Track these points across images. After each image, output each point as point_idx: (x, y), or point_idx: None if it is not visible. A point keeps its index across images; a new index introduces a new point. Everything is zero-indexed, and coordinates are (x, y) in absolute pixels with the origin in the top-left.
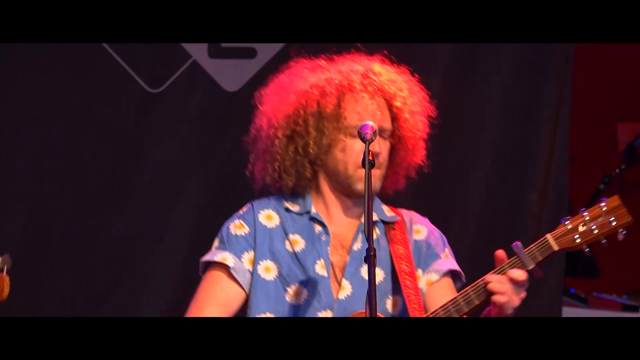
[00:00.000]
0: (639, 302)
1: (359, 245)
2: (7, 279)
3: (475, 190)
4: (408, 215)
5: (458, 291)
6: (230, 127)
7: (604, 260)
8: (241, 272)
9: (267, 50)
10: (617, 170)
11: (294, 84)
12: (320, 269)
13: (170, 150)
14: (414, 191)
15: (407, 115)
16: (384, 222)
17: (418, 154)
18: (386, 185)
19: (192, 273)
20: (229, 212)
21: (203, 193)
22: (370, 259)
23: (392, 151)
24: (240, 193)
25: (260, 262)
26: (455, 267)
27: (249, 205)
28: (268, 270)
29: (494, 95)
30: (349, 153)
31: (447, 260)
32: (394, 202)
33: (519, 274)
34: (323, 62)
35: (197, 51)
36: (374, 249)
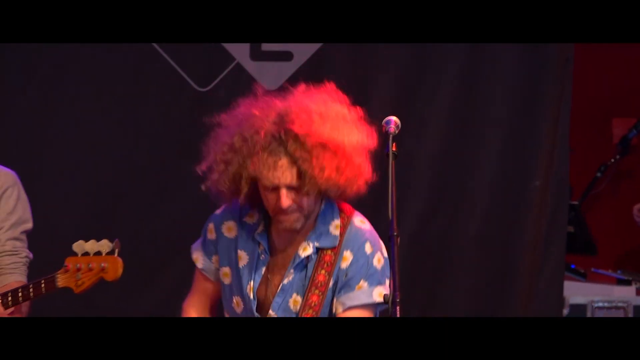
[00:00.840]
0: (632, 277)
1: (289, 278)
2: (120, 260)
3: (484, 178)
4: (350, 233)
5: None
6: None
7: (601, 240)
8: (209, 271)
9: (301, 54)
10: (612, 160)
11: (231, 129)
12: (249, 290)
13: None
14: (429, 178)
15: (314, 155)
16: (321, 248)
17: (350, 180)
18: (342, 198)
19: None
20: None
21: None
22: (393, 238)
23: (324, 190)
24: None
25: (221, 268)
26: (360, 301)
27: (222, 209)
28: (226, 275)
29: (502, 92)
30: (267, 202)
31: (358, 293)
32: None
33: None
34: (249, 110)
35: (240, 54)
36: (397, 229)
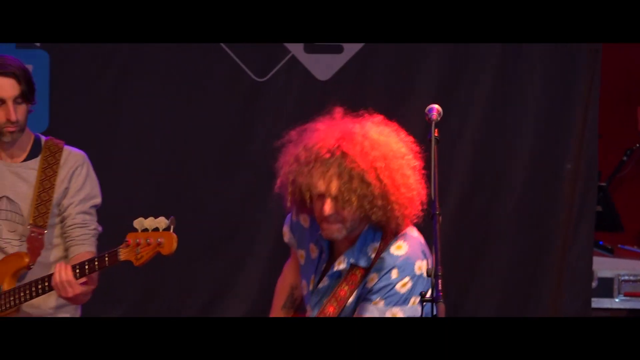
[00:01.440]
0: None
1: (324, 284)
2: (175, 236)
3: (521, 161)
4: (384, 259)
5: None
6: (322, 109)
7: (626, 218)
8: (294, 246)
9: (351, 47)
10: (637, 145)
11: (297, 144)
12: (311, 282)
13: (274, 130)
14: (469, 161)
15: (365, 176)
16: (356, 266)
17: (399, 207)
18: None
19: None
20: None
21: None
22: (435, 217)
23: (370, 212)
24: None
25: (298, 250)
26: (373, 315)
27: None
28: (301, 257)
29: (537, 84)
30: (315, 210)
31: (372, 307)
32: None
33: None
34: (315, 126)
35: (295, 48)
36: (439, 208)
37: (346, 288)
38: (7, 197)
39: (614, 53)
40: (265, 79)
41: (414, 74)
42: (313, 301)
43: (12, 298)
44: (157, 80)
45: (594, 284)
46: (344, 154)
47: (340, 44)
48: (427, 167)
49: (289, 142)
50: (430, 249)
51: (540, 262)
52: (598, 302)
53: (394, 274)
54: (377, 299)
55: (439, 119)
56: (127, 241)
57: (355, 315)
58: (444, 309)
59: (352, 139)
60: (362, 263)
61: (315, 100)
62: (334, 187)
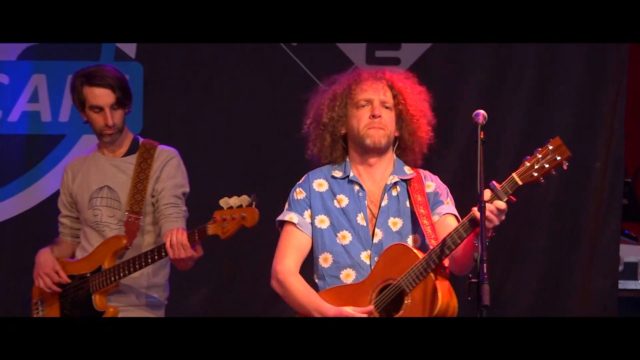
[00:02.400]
0: None
1: (385, 202)
2: (257, 211)
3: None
4: (423, 173)
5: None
6: None
7: None
8: (304, 225)
9: (407, 60)
10: None
11: (323, 92)
12: (360, 220)
13: None
14: (511, 158)
15: (406, 94)
16: (404, 180)
17: (422, 131)
18: (409, 160)
19: None
20: None
21: None
22: (482, 209)
23: (401, 129)
24: None
25: (316, 217)
26: (452, 211)
27: (306, 176)
28: (322, 222)
29: (570, 88)
30: (358, 119)
31: (447, 206)
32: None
33: (500, 204)
34: (352, 71)
35: (358, 59)
36: (484, 201)
37: (418, 196)
38: (108, 187)
39: (638, 59)
40: None
41: (462, 84)
42: (380, 222)
43: (112, 275)
44: (233, 91)
45: (621, 268)
46: (389, 76)
47: (398, 57)
48: (474, 164)
49: (316, 92)
50: (477, 236)
51: (573, 248)
52: (624, 284)
53: (438, 178)
54: (447, 199)
55: (484, 122)
56: (214, 217)
57: (437, 215)
58: (489, 289)
59: (394, 70)
60: (407, 177)
61: None
62: (386, 95)
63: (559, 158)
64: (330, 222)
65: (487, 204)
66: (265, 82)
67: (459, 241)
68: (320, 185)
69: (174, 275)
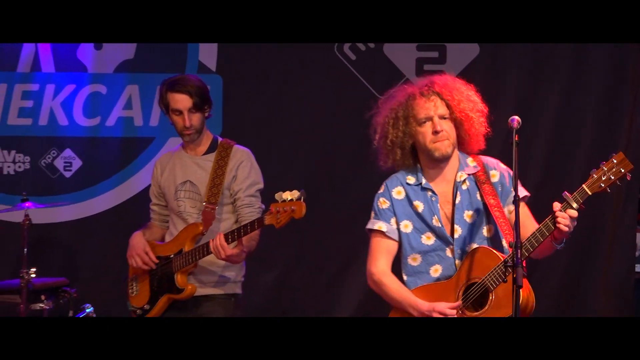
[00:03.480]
0: None
1: (458, 198)
2: (304, 204)
3: (581, 155)
4: (484, 161)
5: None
6: None
7: None
8: (392, 232)
9: (452, 72)
10: None
11: (387, 103)
12: (435, 222)
13: None
14: (542, 158)
15: (456, 100)
16: (471, 175)
17: (477, 124)
18: (472, 148)
19: None
20: None
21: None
22: (517, 202)
23: (459, 129)
24: None
25: (401, 222)
26: (523, 193)
27: (384, 185)
28: (407, 227)
29: (595, 86)
30: (422, 135)
31: (518, 192)
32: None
33: (573, 212)
34: (405, 86)
35: (409, 72)
36: (519, 196)
37: (486, 186)
38: (190, 181)
39: None
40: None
41: (499, 91)
42: (457, 218)
43: (191, 257)
44: (299, 98)
45: (637, 253)
46: (438, 86)
47: (444, 69)
48: (509, 163)
49: (377, 108)
50: (512, 225)
51: (596, 235)
52: (638, 268)
53: (501, 164)
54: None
55: (519, 126)
56: (270, 209)
57: (507, 204)
58: (522, 272)
59: (439, 79)
60: (473, 170)
61: None
62: (441, 108)
63: (622, 170)
64: (413, 226)
65: (560, 213)
66: (328, 91)
67: (536, 244)
68: (399, 193)
69: (252, 257)
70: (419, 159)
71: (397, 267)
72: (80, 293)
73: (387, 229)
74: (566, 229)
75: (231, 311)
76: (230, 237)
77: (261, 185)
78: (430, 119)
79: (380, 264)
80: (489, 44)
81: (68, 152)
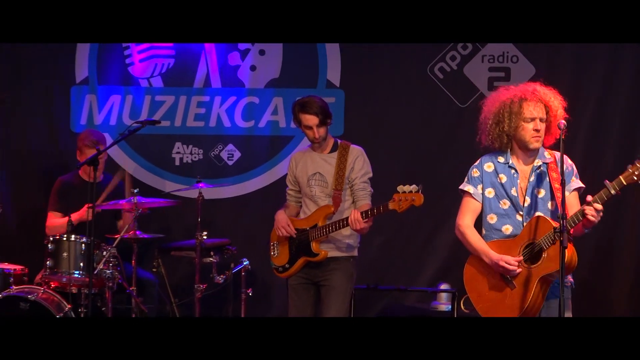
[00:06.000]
0: None
1: (532, 178)
2: (422, 195)
3: (610, 148)
4: (556, 156)
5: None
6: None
7: None
8: (477, 195)
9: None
10: None
11: (499, 97)
12: (513, 192)
13: (472, 140)
14: (581, 152)
15: (552, 107)
16: (545, 163)
17: (556, 129)
18: (546, 143)
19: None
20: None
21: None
22: (563, 184)
23: (547, 126)
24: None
25: (486, 189)
26: (578, 185)
27: (480, 159)
28: (490, 193)
29: (625, 92)
30: (526, 131)
31: (574, 183)
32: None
33: (598, 206)
34: (512, 87)
35: (482, 87)
36: (564, 180)
37: (554, 173)
38: (319, 173)
39: None
40: (465, 105)
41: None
42: (528, 191)
43: (324, 230)
44: (400, 106)
45: None
46: (542, 95)
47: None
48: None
49: (486, 101)
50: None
51: (623, 224)
52: None
53: (565, 159)
54: (572, 177)
55: (565, 128)
56: (393, 198)
57: (567, 189)
58: (567, 235)
59: (542, 87)
60: (547, 160)
61: (453, 125)
62: (543, 112)
63: None
64: (495, 193)
65: (588, 206)
66: (422, 102)
67: (577, 221)
68: (489, 167)
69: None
70: (512, 146)
71: (479, 223)
72: (239, 250)
73: (473, 192)
74: (593, 219)
75: (350, 269)
76: (364, 214)
77: (371, 174)
78: (534, 119)
79: (466, 219)
80: (543, 69)
81: (230, 147)
